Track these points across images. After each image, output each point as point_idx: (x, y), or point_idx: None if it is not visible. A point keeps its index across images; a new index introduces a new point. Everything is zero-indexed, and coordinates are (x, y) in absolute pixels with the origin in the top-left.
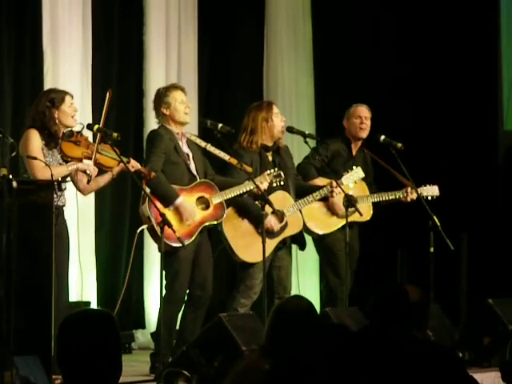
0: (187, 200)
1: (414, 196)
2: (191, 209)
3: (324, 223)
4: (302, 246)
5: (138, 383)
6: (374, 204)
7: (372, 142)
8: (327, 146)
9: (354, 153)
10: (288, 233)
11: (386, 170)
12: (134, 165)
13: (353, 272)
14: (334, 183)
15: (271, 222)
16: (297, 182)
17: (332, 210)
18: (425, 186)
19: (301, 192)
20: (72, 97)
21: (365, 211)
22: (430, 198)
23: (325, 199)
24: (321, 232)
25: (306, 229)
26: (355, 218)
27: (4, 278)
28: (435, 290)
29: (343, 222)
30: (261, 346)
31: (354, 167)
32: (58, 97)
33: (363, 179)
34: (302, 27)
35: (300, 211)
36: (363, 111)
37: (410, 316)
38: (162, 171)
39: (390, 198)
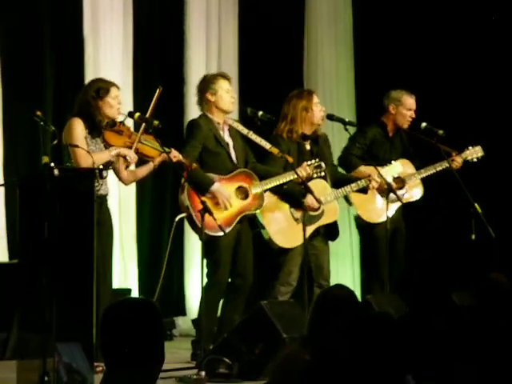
0: (225, 187)
1: (460, 161)
2: (227, 194)
3: (377, 212)
4: (334, 236)
5: (179, 370)
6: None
7: (413, 129)
8: (364, 133)
9: (390, 135)
10: (324, 221)
11: (426, 143)
12: (175, 155)
13: (396, 259)
14: (373, 175)
15: (311, 200)
16: (334, 172)
17: (381, 194)
18: (467, 149)
19: (338, 183)
20: (118, 88)
21: (416, 187)
22: (475, 159)
23: (363, 190)
24: (378, 220)
25: (359, 220)
26: (409, 199)
27: (46, 266)
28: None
29: (395, 205)
30: (301, 337)
31: (393, 161)
32: (103, 87)
33: (409, 158)
34: (343, 14)
35: (345, 199)
36: (414, 104)
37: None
38: (202, 161)
39: (438, 169)
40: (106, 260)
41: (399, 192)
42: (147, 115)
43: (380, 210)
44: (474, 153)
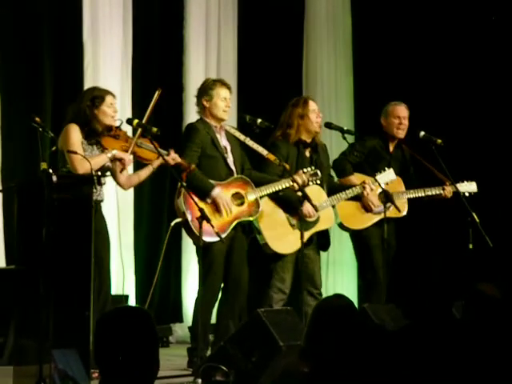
0: (223, 193)
1: (451, 191)
2: (227, 200)
3: (358, 219)
4: (326, 246)
5: (175, 377)
6: (415, 199)
7: (411, 138)
8: (364, 142)
9: (391, 149)
10: (319, 227)
11: (425, 166)
12: (173, 157)
13: (388, 268)
14: (367, 181)
15: (309, 208)
16: (330, 181)
17: (366, 207)
18: (462, 182)
19: (333, 191)
20: (114, 96)
21: (400, 206)
22: (467, 194)
23: (357, 198)
24: (355, 228)
25: (341, 225)
26: (391, 213)
27: (44, 272)
28: None
29: (377, 217)
30: (300, 349)
31: (387, 168)
32: (99, 96)
33: (400, 175)
34: (342, 22)
35: (333, 207)
36: (402, 111)
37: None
38: (198, 165)
39: (427, 194)
40: (103, 267)
41: (381, 207)
42: (145, 117)
43: (363, 217)
44: (468, 187)
